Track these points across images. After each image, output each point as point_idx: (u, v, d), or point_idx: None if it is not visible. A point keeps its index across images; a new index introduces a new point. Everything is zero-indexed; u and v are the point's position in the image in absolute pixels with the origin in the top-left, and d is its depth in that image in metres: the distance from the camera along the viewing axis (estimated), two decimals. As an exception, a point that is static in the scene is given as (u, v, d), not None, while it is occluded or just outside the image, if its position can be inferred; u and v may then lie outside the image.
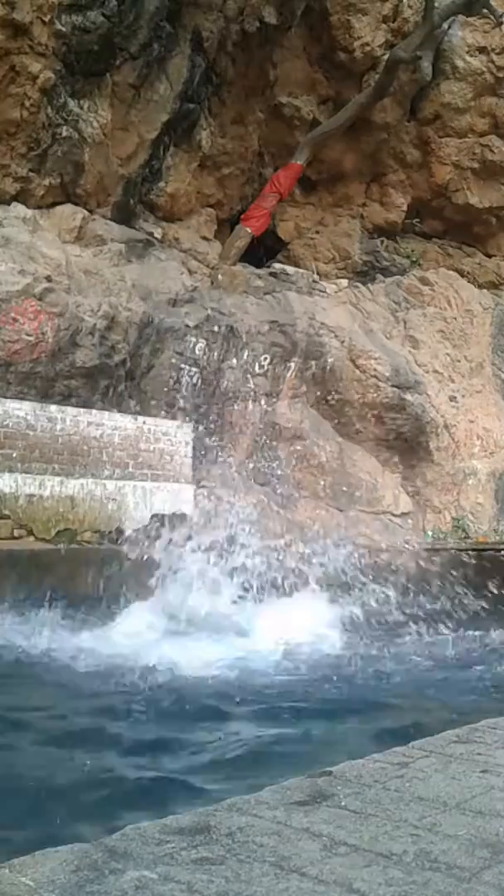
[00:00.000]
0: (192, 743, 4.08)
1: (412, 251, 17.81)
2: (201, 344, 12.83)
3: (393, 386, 14.51)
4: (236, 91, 14.85)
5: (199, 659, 5.75)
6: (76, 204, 12.74)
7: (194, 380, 12.80)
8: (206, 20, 13.47)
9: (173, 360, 12.54)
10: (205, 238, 15.24)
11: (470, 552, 11.25)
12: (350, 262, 17.12)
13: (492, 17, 15.58)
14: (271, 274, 15.40)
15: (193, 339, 12.74)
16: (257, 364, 13.60)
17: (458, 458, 15.23)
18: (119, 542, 9.47)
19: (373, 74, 15.73)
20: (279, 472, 13.87)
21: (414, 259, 17.66)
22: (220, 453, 13.27)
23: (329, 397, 14.57)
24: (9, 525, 9.83)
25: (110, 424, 11.04)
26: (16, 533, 9.88)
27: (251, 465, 13.63)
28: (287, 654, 6.31)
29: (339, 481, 14.35)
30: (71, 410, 10.74)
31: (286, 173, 15.73)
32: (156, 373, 12.41)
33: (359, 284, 16.42)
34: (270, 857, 1.66)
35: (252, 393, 13.58)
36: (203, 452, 12.76)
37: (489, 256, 18.37)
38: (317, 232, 17.19)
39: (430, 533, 14.34)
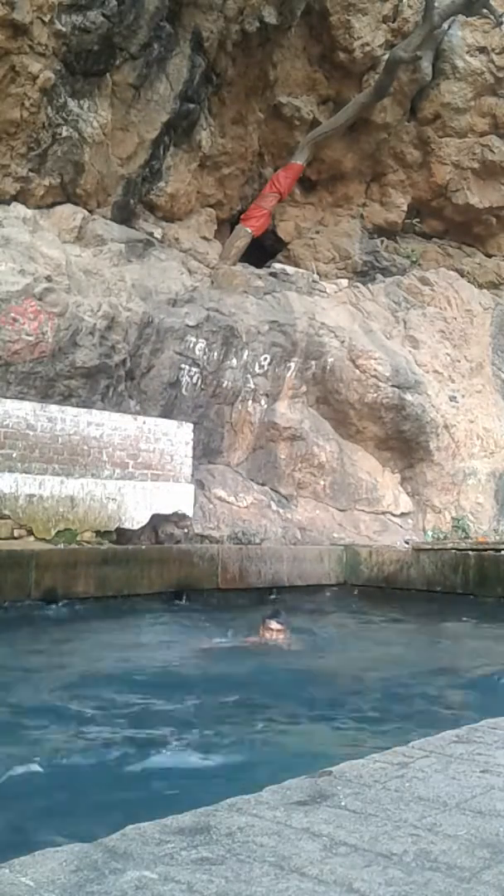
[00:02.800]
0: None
1: (412, 251, 17.81)
2: (201, 344, 12.83)
3: (393, 386, 14.50)
4: (236, 91, 14.85)
5: None
6: (76, 204, 12.73)
7: (194, 380, 12.80)
8: (206, 20, 13.47)
9: (173, 360, 12.54)
10: (205, 238, 15.23)
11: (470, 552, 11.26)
12: (350, 262, 17.12)
13: (492, 17, 15.57)
14: (271, 274, 15.39)
15: (193, 339, 12.73)
16: (257, 364, 13.60)
17: (458, 458, 15.21)
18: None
19: (373, 74, 15.73)
20: (279, 472, 13.86)
21: (414, 259, 17.66)
22: (220, 453, 13.26)
23: (329, 397, 14.57)
24: (8, 525, 9.81)
25: (110, 424, 11.02)
26: (16, 533, 9.86)
27: (251, 465, 13.63)
28: None
29: (339, 481, 14.35)
30: (71, 410, 10.72)
31: (286, 173, 15.73)
32: (156, 373, 12.41)
33: (359, 284, 16.42)
34: (270, 857, 1.66)
35: (252, 393, 13.58)
36: (203, 452, 12.75)
37: (489, 256, 18.36)
38: (317, 232, 17.19)
39: (430, 533, 14.33)
